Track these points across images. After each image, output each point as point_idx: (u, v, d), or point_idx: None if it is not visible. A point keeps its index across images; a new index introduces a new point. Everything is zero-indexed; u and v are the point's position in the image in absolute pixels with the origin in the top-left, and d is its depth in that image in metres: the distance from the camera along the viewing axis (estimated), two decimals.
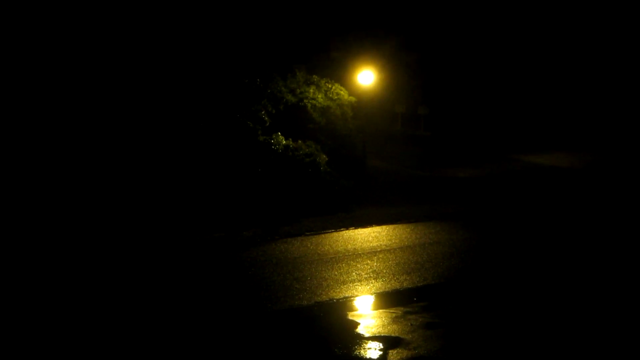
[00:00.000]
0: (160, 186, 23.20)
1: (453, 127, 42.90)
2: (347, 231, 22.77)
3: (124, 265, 19.00)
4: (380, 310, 15.56)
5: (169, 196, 23.17)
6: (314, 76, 28.82)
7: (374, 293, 16.70)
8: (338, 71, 32.75)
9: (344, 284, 17.18)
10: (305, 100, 27.49)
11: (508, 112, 44.05)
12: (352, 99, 28.83)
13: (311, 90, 27.96)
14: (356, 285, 17.19)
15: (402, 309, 15.54)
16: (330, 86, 28.77)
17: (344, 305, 15.94)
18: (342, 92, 28.80)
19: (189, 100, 25.02)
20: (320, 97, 28.03)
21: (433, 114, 42.72)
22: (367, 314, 15.47)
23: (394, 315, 15.18)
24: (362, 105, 29.26)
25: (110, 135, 23.75)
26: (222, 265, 19.29)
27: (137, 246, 20.55)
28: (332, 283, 17.26)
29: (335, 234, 22.56)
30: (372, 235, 22.30)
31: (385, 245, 21.03)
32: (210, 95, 25.39)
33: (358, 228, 23.15)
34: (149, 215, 22.38)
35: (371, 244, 21.13)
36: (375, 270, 18.38)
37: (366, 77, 29.03)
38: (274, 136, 25.45)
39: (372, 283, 17.32)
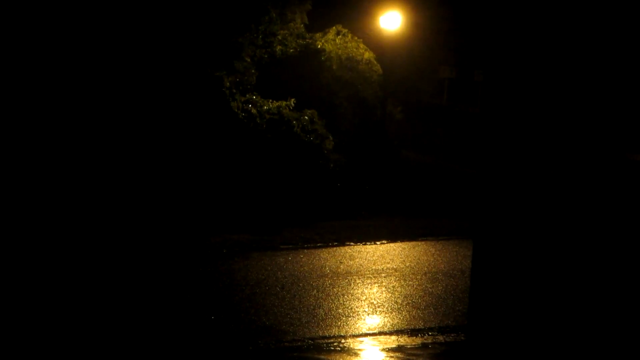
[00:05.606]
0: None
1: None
2: (342, 248, 16.44)
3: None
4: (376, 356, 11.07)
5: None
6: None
7: (368, 333, 11.87)
8: (349, 14, 23.86)
9: (327, 319, 12.24)
10: (318, 43, 20.35)
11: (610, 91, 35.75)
12: (372, 55, 21.56)
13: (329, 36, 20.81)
14: (344, 321, 12.22)
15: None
16: (347, 36, 21.51)
17: (322, 348, 11.14)
18: (361, 47, 21.69)
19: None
20: (339, 41, 20.94)
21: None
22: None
23: None
24: (387, 66, 21.94)
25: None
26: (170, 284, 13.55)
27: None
28: (312, 318, 12.21)
29: (325, 250, 16.22)
30: (378, 253, 16.17)
31: (394, 268, 14.99)
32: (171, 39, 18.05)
33: (360, 243, 16.82)
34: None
35: (375, 266, 15.09)
36: (374, 302, 13.17)
37: (392, 21, 21.00)
38: (256, 98, 18.31)
39: (367, 319, 12.46)
